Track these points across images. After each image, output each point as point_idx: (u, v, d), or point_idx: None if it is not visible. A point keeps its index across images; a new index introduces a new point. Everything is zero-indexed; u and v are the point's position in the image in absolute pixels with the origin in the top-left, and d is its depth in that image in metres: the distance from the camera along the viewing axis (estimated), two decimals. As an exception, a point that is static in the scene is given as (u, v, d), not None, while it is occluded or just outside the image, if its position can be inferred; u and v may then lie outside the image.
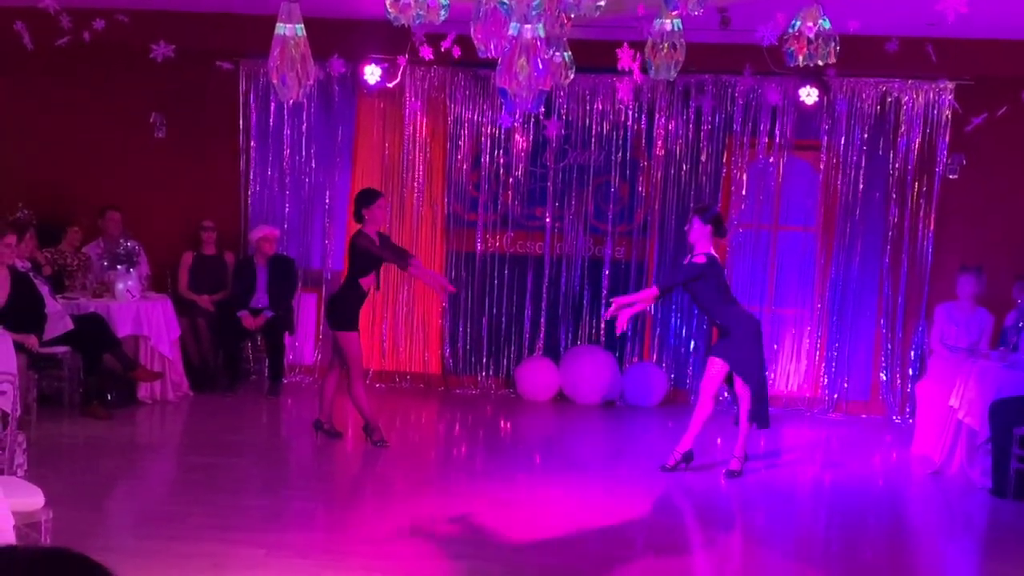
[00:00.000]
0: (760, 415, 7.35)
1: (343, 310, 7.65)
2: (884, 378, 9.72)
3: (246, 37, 8.57)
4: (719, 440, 8.21)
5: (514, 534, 5.97)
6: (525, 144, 9.88)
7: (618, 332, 7.43)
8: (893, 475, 8.16)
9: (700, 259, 7.21)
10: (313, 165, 10.07)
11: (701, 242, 7.26)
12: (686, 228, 7.42)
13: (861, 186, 9.62)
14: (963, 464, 7.61)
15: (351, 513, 6.47)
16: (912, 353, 9.66)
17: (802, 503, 7.29)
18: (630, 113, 9.77)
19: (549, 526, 6.14)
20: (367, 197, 7.67)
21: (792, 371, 9.87)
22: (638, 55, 5.98)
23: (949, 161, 9.47)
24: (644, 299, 7.56)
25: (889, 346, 9.69)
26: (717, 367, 7.35)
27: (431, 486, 7.08)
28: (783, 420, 9.36)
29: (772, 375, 9.72)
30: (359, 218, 7.61)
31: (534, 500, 6.70)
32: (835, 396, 9.78)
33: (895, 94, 9.49)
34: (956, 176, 9.48)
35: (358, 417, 7.90)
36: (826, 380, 9.78)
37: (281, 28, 4.11)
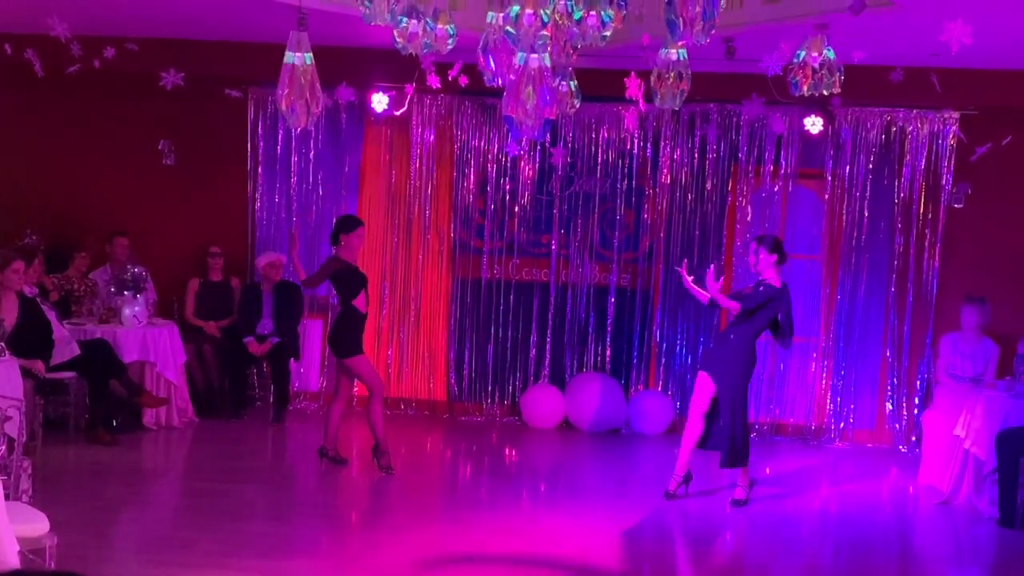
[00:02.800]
0: (740, 454, 7.29)
1: (344, 337, 7.66)
2: (890, 407, 9.68)
3: (255, 65, 8.63)
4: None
5: (519, 563, 5.95)
6: (531, 172, 9.91)
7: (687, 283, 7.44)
8: (900, 505, 8.12)
9: (775, 283, 7.26)
10: (320, 192, 10.11)
11: (768, 271, 7.31)
12: (750, 260, 7.44)
13: (866, 215, 9.63)
14: (970, 494, 7.59)
15: (355, 541, 6.45)
16: (918, 382, 9.62)
17: (808, 533, 7.25)
18: (635, 141, 9.81)
19: (555, 555, 6.12)
20: (348, 224, 7.67)
21: (798, 400, 9.84)
22: (643, 84, 6.02)
23: (954, 190, 9.47)
24: (716, 300, 7.34)
25: (895, 375, 9.66)
26: (706, 383, 7.35)
27: (436, 514, 7.07)
28: (789, 449, 9.35)
29: (775, 395, 9.72)
30: (335, 241, 7.61)
31: (539, 528, 6.68)
32: (841, 425, 9.74)
33: (900, 123, 9.51)
34: (961, 205, 9.48)
35: (363, 444, 7.89)
36: (832, 409, 9.75)
37: (290, 56, 4.15)
